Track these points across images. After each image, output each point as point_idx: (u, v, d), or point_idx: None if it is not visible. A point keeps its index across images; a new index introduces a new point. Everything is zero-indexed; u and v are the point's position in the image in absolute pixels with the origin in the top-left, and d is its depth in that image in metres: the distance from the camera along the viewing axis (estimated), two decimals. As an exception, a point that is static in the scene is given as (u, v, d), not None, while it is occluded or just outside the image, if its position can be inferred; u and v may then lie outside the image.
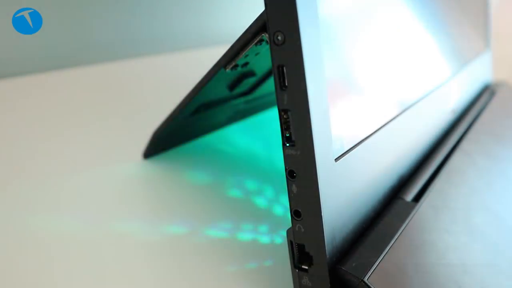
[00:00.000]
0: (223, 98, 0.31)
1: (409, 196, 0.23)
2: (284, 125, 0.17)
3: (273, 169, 0.32)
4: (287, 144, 0.17)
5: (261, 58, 0.25)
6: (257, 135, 0.39)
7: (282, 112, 0.17)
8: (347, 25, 0.19)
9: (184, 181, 0.30)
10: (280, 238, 0.25)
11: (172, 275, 0.22)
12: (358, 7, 0.21)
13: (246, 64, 0.25)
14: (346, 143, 0.19)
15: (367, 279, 0.17)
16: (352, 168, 0.19)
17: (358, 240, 0.19)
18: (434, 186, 0.25)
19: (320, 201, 0.17)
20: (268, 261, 0.23)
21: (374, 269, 0.17)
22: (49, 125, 0.36)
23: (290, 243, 0.18)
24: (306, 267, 0.18)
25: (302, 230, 0.18)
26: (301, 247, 0.18)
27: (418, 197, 0.23)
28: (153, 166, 0.32)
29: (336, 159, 0.18)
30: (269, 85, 0.32)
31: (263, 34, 0.20)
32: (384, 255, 0.18)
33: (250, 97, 0.34)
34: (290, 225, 0.18)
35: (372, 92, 0.22)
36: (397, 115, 0.24)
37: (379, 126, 0.22)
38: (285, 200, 0.26)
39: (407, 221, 0.21)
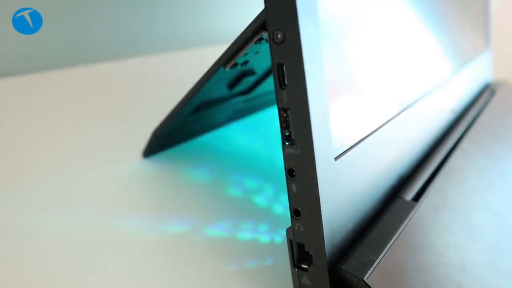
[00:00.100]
0: (223, 97, 0.31)
1: (409, 195, 0.23)
2: (284, 124, 0.17)
3: (272, 168, 0.32)
4: (287, 143, 0.17)
5: (260, 57, 0.25)
6: (257, 134, 0.39)
7: (282, 110, 0.16)
8: (347, 24, 0.19)
9: (184, 180, 0.30)
10: (280, 237, 0.25)
11: (172, 274, 0.22)
12: (358, 5, 0.21)
13: (245, 62, 0.25)
14: (346, 142, 0.19)
15: (366, 278, 0.17)
16: (352, 167, 0.19)
17: (358, 239, 0.19)
18: (434, 185, 0.25)
19: (320, 200, 0.17)
20: (268, 260, 0.23)
21: (374, 268, 0.17)
22: (49, 124, 0.36)
23: (290, 242, 0.18)
24: (306, 266, 0.18)
25: (302, 229, 0.18)
26: (300, 246, 0.18)
27: (418, 197, 0.23)
28: (153, 165, 0.32)
29: (336, 158, 0.18)
30: (269, 83, 0.32)
31: (262, 33, 0.19)
32: (384, 254, 0.18)
33: (249, 96, 0.34)
34: (289, 224, 0.18)
35: (372, 91, 0.22)
36: (397, 114, 0.24)
37: (379, 125, 0.22)
38: (284, 199, 0.26)
39: (406, 221, 0.21)
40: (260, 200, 0.28)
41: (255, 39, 0.20)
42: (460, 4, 0.38)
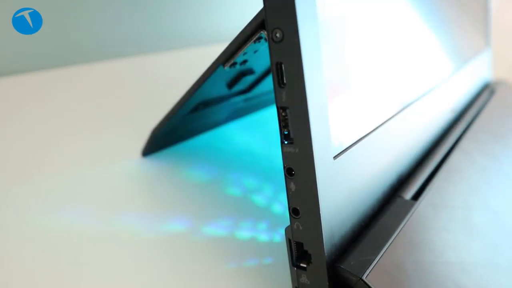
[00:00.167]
0: (222, 96, 0.31)
1: (408, 194, 0.23)
2: (283, 123, 0.17)
3: (271, 167, 0.32)
4: (286, 142, 0.17)
5: (259, 56, 0.25)
6: (256, 133, 0.39)
7: (281, 109, 0.16)
8: (346, 23, 0.19)
9: (183, 179, 0.30)
10: (279, 236, 0.25)
11: (171, 273, 0.22)
12: (357, 4, 0.21)
13: (244, 62, 0.25)
14: (345, 141, 0.19)
15: (365, 277, 0.17)
16: (351, 166, 0.19)
17: (357, 238, 0.19)
18: (433, 184, 0.25)
19: (319, 199, 0.16)
20: (267, 260, 0.23)
21: (373, 267, 0.17)
22: (48, 123, 0.36)
23: (289, 241, 0.18)
24: (305, 265, 0.18)
25: (301, 228, 0.18)
26: (299, 245, 0.18)
27: (417, 196, 0.23)
28: (152, 164, 0.32)
29: (335, 157, 0.18)
30: (268, 83, 0.32)
31: (261, 32, 0.19)
32: (383, 253, 0.18)
33: (249, 95, 0.34)
34: (288, 223, 0.18)
35: (371, 90, 0.21)
36: (396, 113, 0.24)
37: (378, 124, 0.22)
38: (283, 198, 0.26)
39: (406, 220, 0.21)
40: (259, 199, 0.28)
41: (254, 38, 0.20)
42: (459, 2, 0.38)
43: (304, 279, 0.18)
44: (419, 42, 0.28)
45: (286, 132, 0.17)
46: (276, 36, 0.16)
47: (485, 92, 0.44)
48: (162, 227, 0.25)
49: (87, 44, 0.48)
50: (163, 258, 0.23)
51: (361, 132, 0.20)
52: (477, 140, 0.33)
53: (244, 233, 0.25)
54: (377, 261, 0.18)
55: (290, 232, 0.18)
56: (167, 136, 0.33)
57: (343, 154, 0.18)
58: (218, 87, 0.28)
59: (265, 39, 0.21)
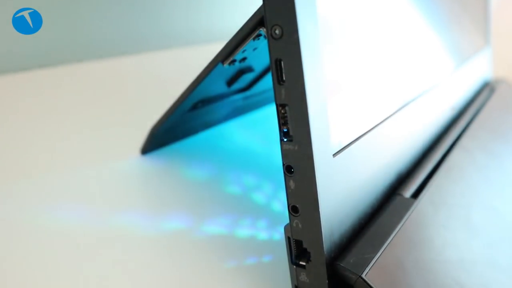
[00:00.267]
0: (221, 94, 0.31)
1: (408, 192, 0.23)
2: (282, 120, 0.17)
3: (271, 165, 0.32)
4: (285, 139, 0.17)
5: (259, 54, 0.25)
6: (256, 131, 0.39)
7: (280, 106, 0.16)
8: (346, 20, 0.19)
9: (182, 177, 0.30)
10: (279, 234, 0.25)
11: (170, 271, 0.22)
12: (357, 1, 0.20)
13: (244, 59, 0.25)
14: (344, 139, 0.19)
15: (365, 275, 0.17)
16: (351, 163, 0.19)
17: (356, 236, 0.19)
18: (433, 182, 0.25)
19: (318, 196, 0.16)
20: (266, 258, 0.23)
21: (372, 265, 0.17)
22: (47, 121, 0.36)
23: (288, 239, 0.18)
24: (304, 263, 0.18)
25: (300, 226, 0.17)
26: (298, 243, 0.18)
27: (417, 193, 0.23)
28: (151, 162, 0.32)
29: (334, 155, 0.18)
30: (267, 81, 0.32)
31: (260, 29, 0.19)
32: (383, 251, 0.18)
33: (248, 93, 0.33)
34: (288, 221, 0.18)
35: (371, 88, 0.21)
36: (396, 111, 0.24)
37: (378, 122, 0.22)
38: (283, 196, 0.26)
39: (405, 218, 0.21)
40: (258, 197, 0.28)
41: (253, 35, 0.20)
42: (459, 1, 0.38)
43: (303, 277, 0.18)
44: (418, 40, 0.28)
45: (285, 130, 0.17)
46: (276, 33, 0.15)
47: (485, 90, 0.44)
48: (161, 225, 0.25)
49: (86, 42, 0.48)
50: (162, 256, 0.23)
51: (360, 130, 0.20)
52: (477, 138, 0.33)
53: (244, 231, 0.25)
54: (377, 259, 0.18)
55: (289, 230, 0.18)
56: (166, 134, 0.32)
57: (343, 152, 0.18)
58: (217, 85, 0.28)
59: (264, 37, 0.20)
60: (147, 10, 0.53)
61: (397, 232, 0.20)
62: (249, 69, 0.28)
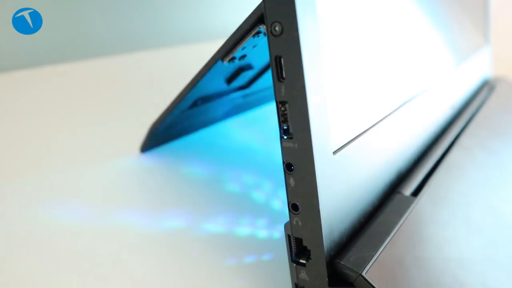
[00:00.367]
0: (221, 91, 0.30)
1: (408, 190, 0.23)
2: (282, 118, 0.16)
3: (271, 163, 0.32)
4: (285, 137, 0.17)
5: (259, 51, 0.25)
6: (255, 129, 0.38)
7: (280, 104, 0.16)
8: (346, 17, 0.19)
9: (182, 175, 0.30)
10: (279, 233, 0.24)
11: (169, 269, 0.22)
12: (357, -2, 0.20)
13: (243, 56, 0.25)
14: (344, 136, 0.18)
15: (365, 273, 0.17)
16: (351, 161, 0.19)
17: (356, 234, 0.19)
18: (433, 180, 0.25)
19: (318, 194, 0.16)
20: (266, 256, 0.23)
21: (372, 263, 0.17)
22: (47, 119, 0.36)
23: (288, 237, 0.18)
24: (304, 261, 0.18)
25: (300, 224, 0.17)
26: (298, 241, 0.18)
27: (417, 192, 0.23)
28: (150, 160, 0.32)
29: (334, 152, 0.18)
30: (267, 79, 0.32)
31: (260, 26, 0.19)
32: (383, 249, 0.18)
33: (248, 91, 0.33)
34: (288, 219, 0.18)
35: (371, 86, 0.21)
36: (396, 109, 0.24)
37: (378, 120, 0.21)
38: (283, 194, 0.26)
39: (405, 216, 0.21)
40: (258, 195, 0.28)
41: (253, 33, 0.20)
42: (459, -1, 0.38)
43: (303, 275, 0.18)
44: (418, 38, 0.28)
45: (285, 127, 0.17)
46: (275, 30, 0.15)
47: (485, 88, 0.44)
48: (160, 223, 0.25)
49: (86, 42, 0.48)
50: (162, 254, 0.23)
51: (360, 128, 0.20)
52: (476, 136, 0.33)
53: (243, 229, 0.25)
54: (377, 257, 0.18)
55: (289, 228, 0.18)
56: (166, 132, 0.32)
57: (343, 150, 0.18)
58: (217, 82, 0.28)
59: (264, 34, 0.20)
60: (147, 9, 0.53)
61: (397, 230, 0.20)
62: (248, 67, 0.28)
